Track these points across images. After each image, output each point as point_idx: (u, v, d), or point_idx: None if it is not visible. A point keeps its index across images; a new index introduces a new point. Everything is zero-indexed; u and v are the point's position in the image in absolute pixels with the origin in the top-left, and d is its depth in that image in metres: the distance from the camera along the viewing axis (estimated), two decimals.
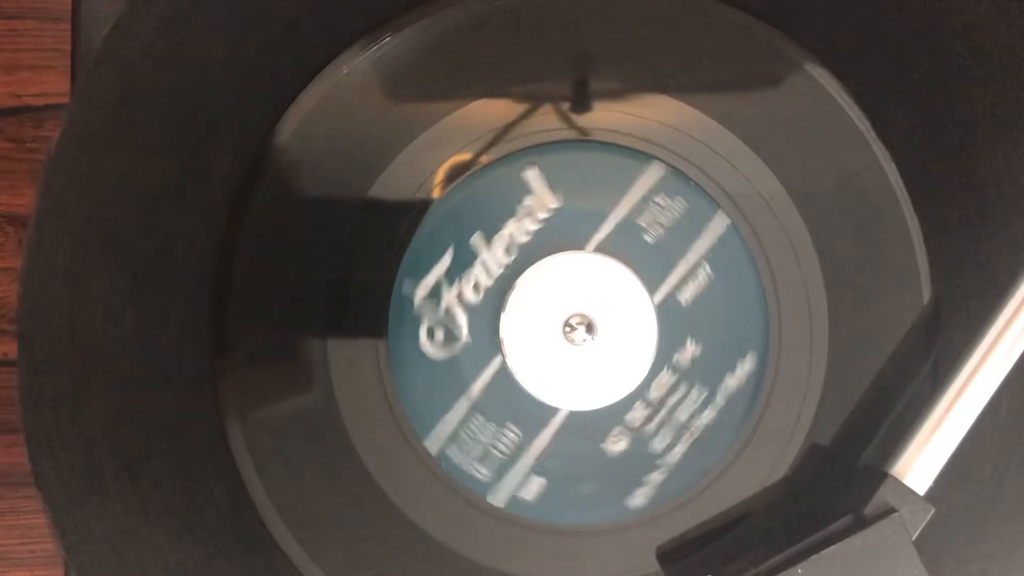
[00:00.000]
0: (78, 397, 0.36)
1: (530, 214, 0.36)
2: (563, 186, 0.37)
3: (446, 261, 0.37)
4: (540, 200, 0.37)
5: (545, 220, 0.37)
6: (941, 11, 0.36)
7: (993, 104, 0.36)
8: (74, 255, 0.36)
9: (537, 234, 0.37)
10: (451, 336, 0.37)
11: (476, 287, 0.37)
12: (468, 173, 0.37)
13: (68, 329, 0.35)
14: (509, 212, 0.37)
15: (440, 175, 0.37)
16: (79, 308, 0.36)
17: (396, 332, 0.37)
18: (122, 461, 0.36)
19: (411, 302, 0.37)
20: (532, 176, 0.37)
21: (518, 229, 0.36)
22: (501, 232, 0.37)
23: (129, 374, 0.36)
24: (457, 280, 0.37)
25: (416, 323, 0.37)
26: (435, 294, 0.37)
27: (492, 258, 0.36)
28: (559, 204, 0.37)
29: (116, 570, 0.36)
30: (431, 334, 0.36)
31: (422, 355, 0.36)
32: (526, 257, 0.36)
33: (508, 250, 0.36)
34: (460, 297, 0.37)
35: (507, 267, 0.37)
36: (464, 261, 0.37)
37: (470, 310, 0.37)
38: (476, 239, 0.36)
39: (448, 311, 0.36)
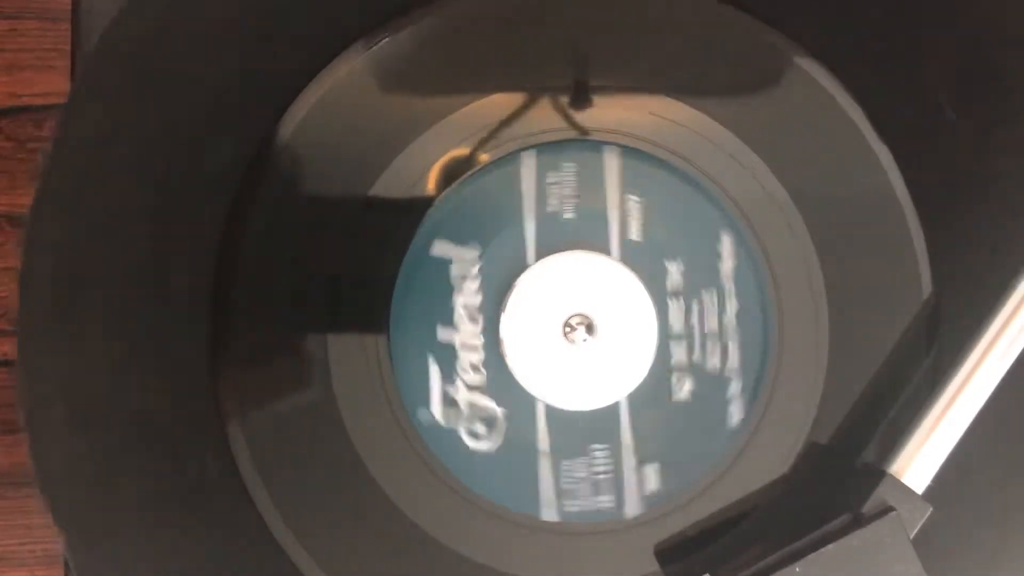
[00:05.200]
0: (78, 397, 0.36)
1: (464, 276, 0.36)
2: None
3: (435, 372, 0.36)
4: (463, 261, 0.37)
5: (479, 273, 0.37)
6: (941, 11, 0.36)
7: (994, 105, 0.37)
8: (73, 255, 0.36)
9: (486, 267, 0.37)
10: (490, 421, 0.37)
11: (474, 368, 0.37)
12: (468, 173, 0.37)
13: (68, 329, 0.35)
14: (449, 288, 0.37)
15: (440, 174, 0.37)
16: (79, 308, 0.36)
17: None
18: (122, 460, 0.36)
19: (437, 424, 0.36)
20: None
21: (468, 292, 0.36)
22: (456, 312, 0.37)
23: (129, 373, 0.36)
24: (456, 377, 0.37)
25: (456, 435, 0.36)
26: (450, 403, 0.37)
27: (467, 337, 0.36)
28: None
29: (117, 570, 0.36)
30: (474, 435, 0.36)
31: (480, 456, 0.36)
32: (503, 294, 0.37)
33: (473, 319, 0.36)
34: (468, 386, 0.37)
35: (484, 332, 0.36)
36: (447, 357, 0.37)
37: (485, 389, 0.37)
38: (441, 332, 0.36)
39: (472, 406, 0.36)
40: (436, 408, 0.36)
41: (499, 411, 0.37)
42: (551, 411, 0.36)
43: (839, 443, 0.36)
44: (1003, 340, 0.33)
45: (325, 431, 0.36)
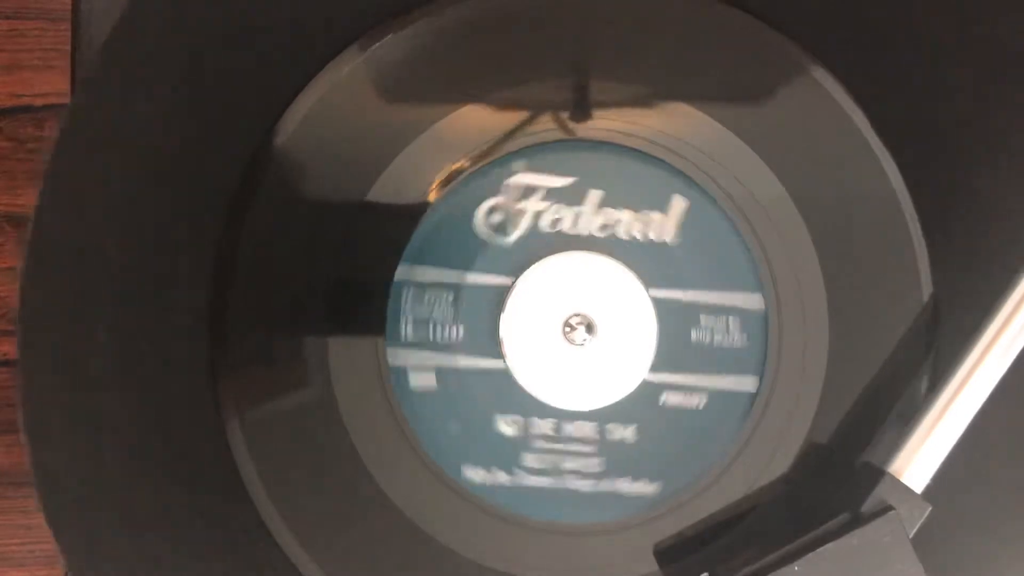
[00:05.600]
0: (78, 397, 0.36)
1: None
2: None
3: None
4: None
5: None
6: (942, 12, 0.36)
7: (993, 103, 0.37)
8: (73, 255, 0.36)
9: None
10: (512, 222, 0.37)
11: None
12: (465, 175, 0.37)
13: (68, 329, 0.36)
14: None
15: (439, 176, 0.37)
16: (79, 308, 0.36)
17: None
18: (121, 460, 0.36)
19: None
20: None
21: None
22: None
23: (129, 373, 0.36)
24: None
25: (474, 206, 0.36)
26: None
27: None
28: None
29: (115, 570, 0.36)
30: (490, 213, 0.36)
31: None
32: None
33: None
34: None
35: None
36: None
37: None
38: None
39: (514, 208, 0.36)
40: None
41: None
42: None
43: (839, 443, 0.36)
44: (1003, 340, 0.33)
45: (325, 431, 0.36)
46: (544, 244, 0.37)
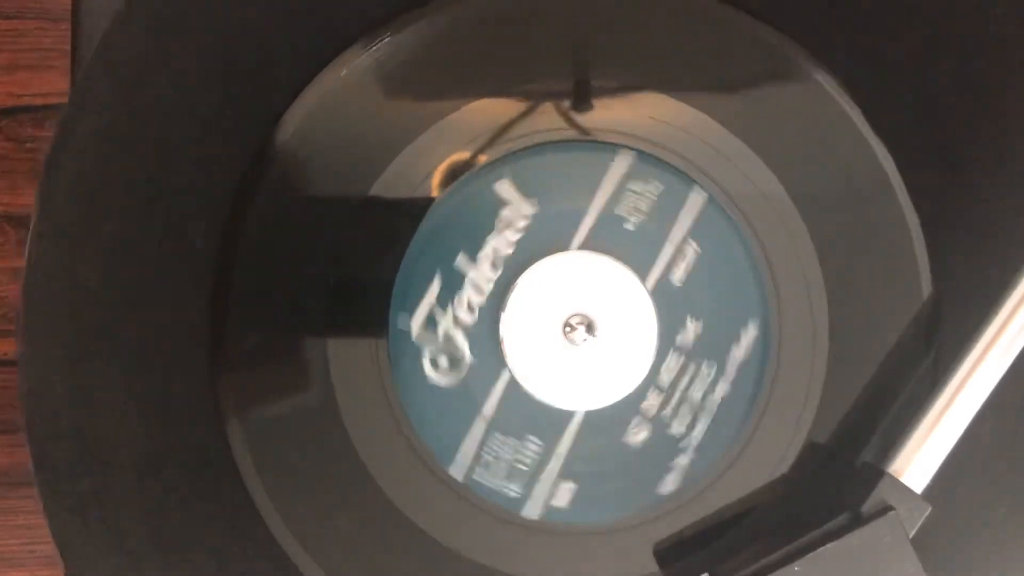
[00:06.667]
0: (78, 396, 0.36)
1: (509, 225, 0.37)
2: (560, 188, 0.37)
3: (435, 288, 0.37)
4: (516, 209, 0.37)
5: (525, 227, 0.37)
6: (942, 11, 0.36)
7: (993, 103, 0.37)
8: (73, 254, 0.36)
9: (526, 239, 0.37)
10: (455, 361, 0.37)
11: (470, 307, 0.37)
12: (467, 174, 0.37)
13: (68, 328, 0.36)
14: (489, 227, 0.37)
15: (440, 175, 0.37)
16: (79, 307, 0.36)
17: (395, 330, 0.37)
18: (122, 460, 0.36)
19: (409, 336, 0.36)
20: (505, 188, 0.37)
21: (500, 242, 0.36)
22: (484, 250, 0.37)
23: (129, 373, 0.36)
24: (450, 305, 0.37)
25: (418, 354, 0.37)
26: (431, 323, 0.37)
27: (480, 276, 0.36)
28: (535, 209, 0.37)
29: (114, 570, 0.36)
30: (435, 363, 0.37)
31: (429, 384, 0.36)
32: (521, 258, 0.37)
33: (494, 264, 0.37)
34: (455, 319, 0.37)
35: (495, 282, 0.37)
36: (453, 284, 0.37)
37: (468, 331, 0.37)
38: (461, 260, 0.36)
39: (448, 339, 0.36)
40: (416, 322, 0.36)
41: (468, 357, 0.37)
42: (513, 385, 0.36)
43: (839, 443, 0.36)
44: (1003, 339, 0.33)
45: (325, 431, 0.36)
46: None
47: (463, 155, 0.37)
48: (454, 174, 0.37)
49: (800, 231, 0.37)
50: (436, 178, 0.37)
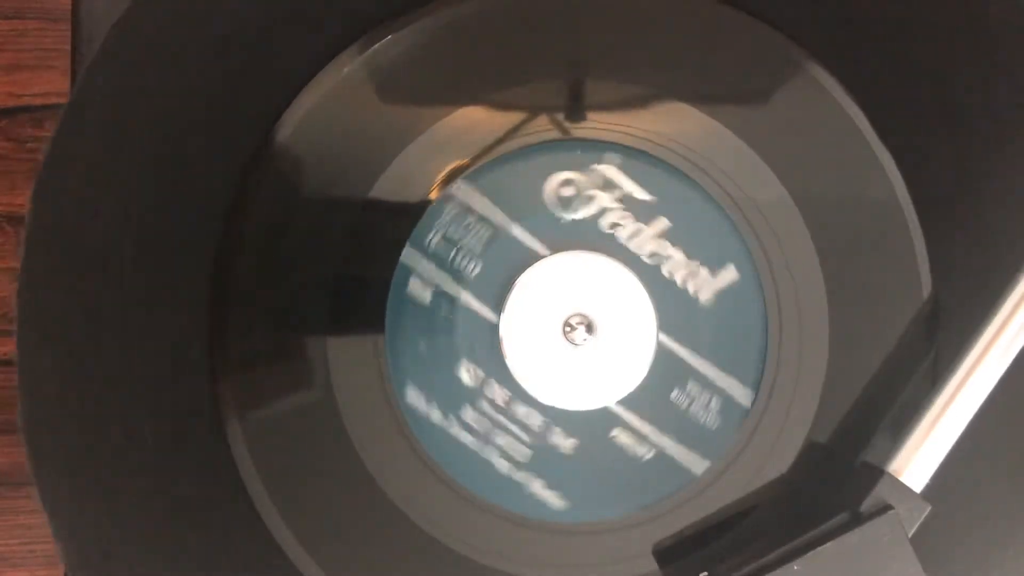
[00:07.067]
0: (78, 396, 0.36)
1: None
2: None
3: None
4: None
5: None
6: (942, 11, 0.36)
7: (993, 103, 0.37)
8: (73, 255, 0.36)
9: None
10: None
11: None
12: (465, 174, 0.37)
13: (67, 329, 0.36)
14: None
15: (438, 176, 0.37)
16: (78, 308, 0.36)
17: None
18: (121, 460, 0.36)
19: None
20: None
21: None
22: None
23: (128, 373, 0.36)
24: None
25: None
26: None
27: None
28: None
29: (114, 570, 0.36)
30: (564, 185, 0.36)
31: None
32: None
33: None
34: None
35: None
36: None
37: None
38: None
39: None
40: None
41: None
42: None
43: (839, 442, 0.36)
44: (1003, 339, 0.33)
45: (325, 431, 0.36)
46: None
47: (463, 156, 0.37)
48: (454, 175, 0.37)
49: (800, 231, 0.37)
50: (436, 179, 0.37)
